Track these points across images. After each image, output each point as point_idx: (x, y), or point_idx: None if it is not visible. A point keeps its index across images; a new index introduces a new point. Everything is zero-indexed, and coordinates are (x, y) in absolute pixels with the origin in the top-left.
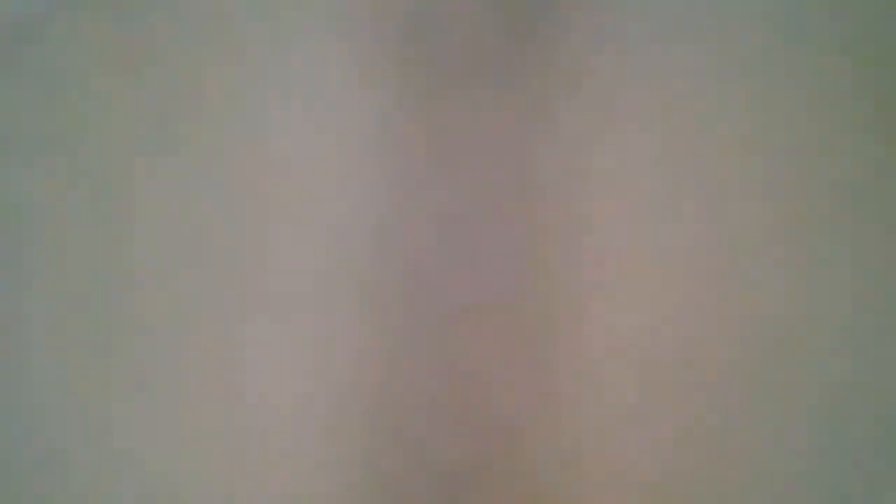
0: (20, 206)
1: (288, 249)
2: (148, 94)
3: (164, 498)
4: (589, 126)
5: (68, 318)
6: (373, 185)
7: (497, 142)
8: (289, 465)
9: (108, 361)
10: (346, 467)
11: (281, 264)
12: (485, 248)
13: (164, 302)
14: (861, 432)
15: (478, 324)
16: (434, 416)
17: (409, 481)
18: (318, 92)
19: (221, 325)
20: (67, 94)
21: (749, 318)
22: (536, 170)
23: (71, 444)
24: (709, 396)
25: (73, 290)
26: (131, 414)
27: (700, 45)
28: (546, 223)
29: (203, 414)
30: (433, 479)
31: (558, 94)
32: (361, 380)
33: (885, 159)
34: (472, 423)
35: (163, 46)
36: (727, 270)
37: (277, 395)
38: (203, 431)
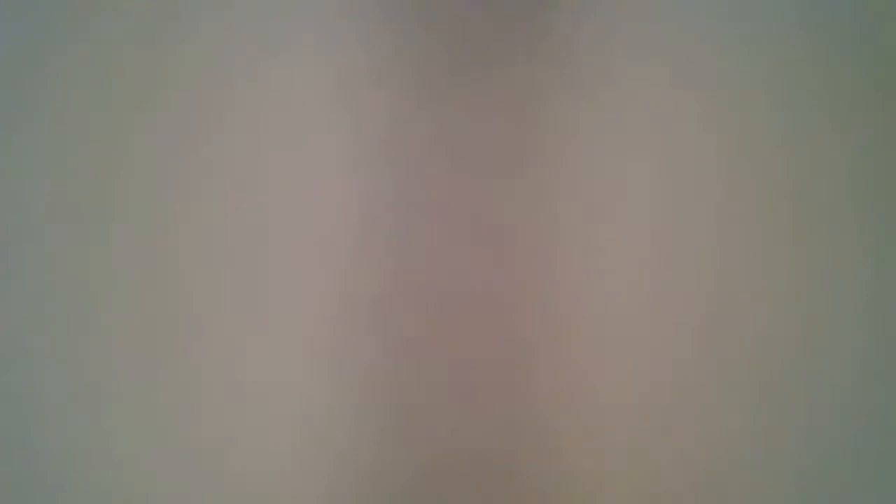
0: (19, 205)
1: (288, 247)
2: (149, 93)
3: (163, 495)
4: (591, 124)
5: (67, 320)
6: (373, 185)
7: (498, 139)
8: (291, 466)
9: (109, 365)
10: (347, 466)
11: (281, 262)
12: (486, 245)
13: (167, 305)
14: (866, 434)
15: (478, 320)
16: (437, 415)
17: (411, 481)
18: (318, 93)
19: (224, 326)
20: (68, 93)
21: (750, 319)
22: (538, 166)
23: (70, 446)
24: (710, 398)
25: (73, 297)
26: (135, 417)
27: (699, 42)
28: (547, 220)
29: (207, 417)
30: (435, 478)
31: (559, 92)
32: (364, 378)
33: (883, 160)
34: (476, 423)
35: (164, 42)
36: (728, 269)
37: (281, 397)
38: (206, 435)
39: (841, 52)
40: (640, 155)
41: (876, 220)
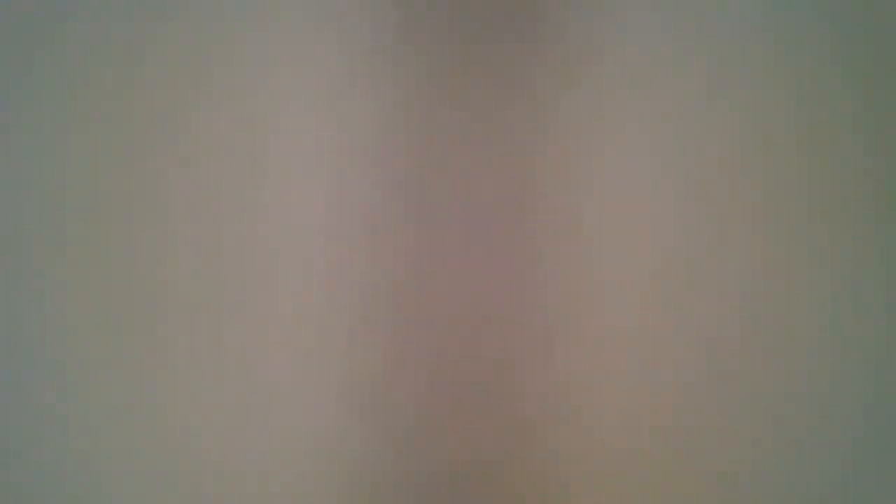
0: (25, 207)
1: (286, 251)
2: (145, 101)
3: (163, 494)
4: (588, 125)
5: (66, 323)
6: (371, 186)
7: (494, 141)
8: (289, 468)
9: (111, 372)
10: (345, 465)
11: (280, 266)
12: (484, 247)
13: (164, 303)
14: (856, 429)
15: (476, 323)
16: (434, 415)
17: (408, 481)
18: (316, 93)
19: (219, 326)
20: (69, 95)
21: (746, 317)
22: (535, 168)
23: (74, 442)
24: (707, 402)
25: (73, 300)
26: (132, 409)
27: (700, 45)
28: (545, 222)
29: (210, 424)
30: (434, 478)
31: (557, 94)
32: (360, 380)
33: (881, 160)
34: (473, 423)
35: (161, 52)
36: (725, 268)
37: (277, 398)
38: (204, 430)
39: (843, 48)
40: (642, 156)
41: (882, 218)
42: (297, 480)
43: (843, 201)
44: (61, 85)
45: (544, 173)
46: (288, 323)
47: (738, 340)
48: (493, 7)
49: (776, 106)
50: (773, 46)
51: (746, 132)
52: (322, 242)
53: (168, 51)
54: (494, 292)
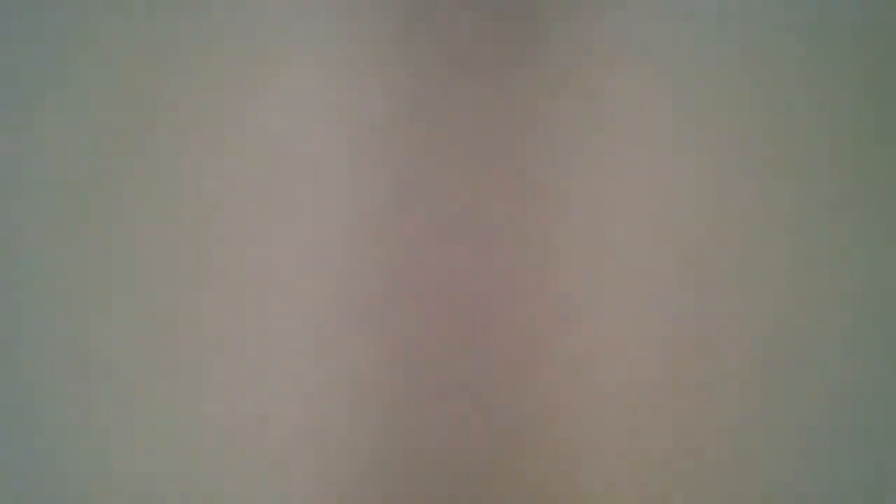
0: (23, 203)
1: (286, 248)
2: (147, 95)
3: (162, 495)
4: (588, 125)
5: (66, 322)
6: (371, 184)
7: (495, 139)
8: (287, 466)
9: (107, 359)
10: (343, 466)
11: (280, 263)
12: (483, 245)
13: (164, 305)
14: (862, 431)
15: (476, 321)
16: (434, 414)
17: (407, 479)
18: (316, 92)
19: (220, 326)
20: (71, 94)
21: (750, 316)
22: (536, 167)
23: (68, 443)
24: (711, 392)
25: (72, 299)
26: (132, 414)
27: (698, 43)
28: (546, 221)
29: (202, 416)
30: (433, 478)
31: (557, 93)
32: (361, 378)
33: (888, 155)
34: (472, 421)
35: (163, 46)
36: (726, 269)
37: (278, 395)
38: (203, 431)
39: (839, 49)
40: (637, 155)
41: (874, 216)
42: (297, 478)
43: (844, 198)
44: (65, 86)
45: (545, 172)
46: (288, 319)
47: (739, 339)
48: (495, 6)
49: (775, 104)
50: (773, 45)
51: (746, 132)
52: (322, 240)
53: (168, 49)
54: (495, 290)
